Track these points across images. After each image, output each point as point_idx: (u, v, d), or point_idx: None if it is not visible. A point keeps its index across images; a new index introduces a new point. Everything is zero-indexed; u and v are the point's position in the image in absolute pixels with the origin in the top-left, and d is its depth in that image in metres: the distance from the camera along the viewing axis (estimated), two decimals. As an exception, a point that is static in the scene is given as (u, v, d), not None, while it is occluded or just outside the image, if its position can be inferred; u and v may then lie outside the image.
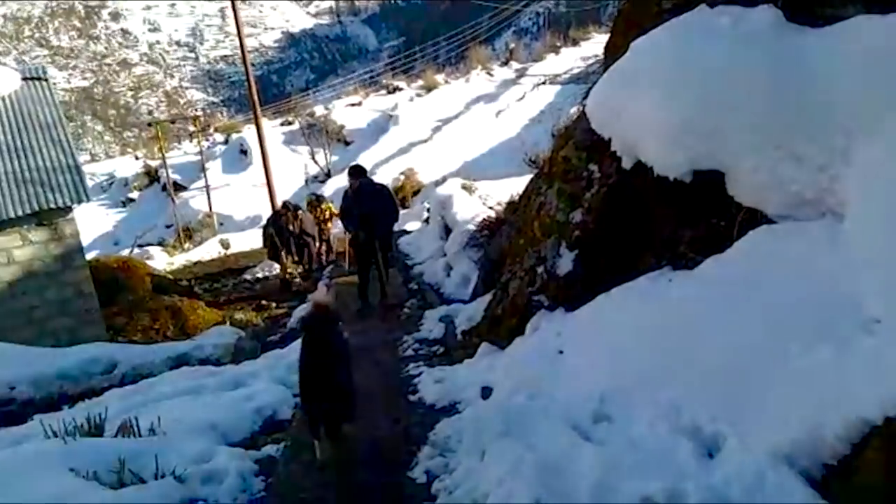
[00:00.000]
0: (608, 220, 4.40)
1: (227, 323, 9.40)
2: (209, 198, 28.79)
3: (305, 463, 3.54)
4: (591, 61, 26.62)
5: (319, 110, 36.09)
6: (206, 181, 29.25)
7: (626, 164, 4.22)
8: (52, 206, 9.15)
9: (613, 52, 4.70)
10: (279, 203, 18.45)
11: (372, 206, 7.79)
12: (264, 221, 13.87)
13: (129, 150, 56.37)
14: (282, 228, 11.86)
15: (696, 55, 3.70)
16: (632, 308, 3.84)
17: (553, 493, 2.64)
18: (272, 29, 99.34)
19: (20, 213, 8.95)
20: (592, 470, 2.77)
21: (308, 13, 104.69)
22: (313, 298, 4.22)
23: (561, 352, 4.09)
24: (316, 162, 30.79)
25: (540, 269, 4.78)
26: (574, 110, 11.23)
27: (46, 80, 10.66)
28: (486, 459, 3.10)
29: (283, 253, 11.95)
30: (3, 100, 10.00)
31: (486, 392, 4.24)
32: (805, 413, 2.38)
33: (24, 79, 10.39)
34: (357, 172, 8.06)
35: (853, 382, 2.29)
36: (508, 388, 3.96)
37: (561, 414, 3.38)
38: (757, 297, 3.16)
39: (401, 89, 36.57)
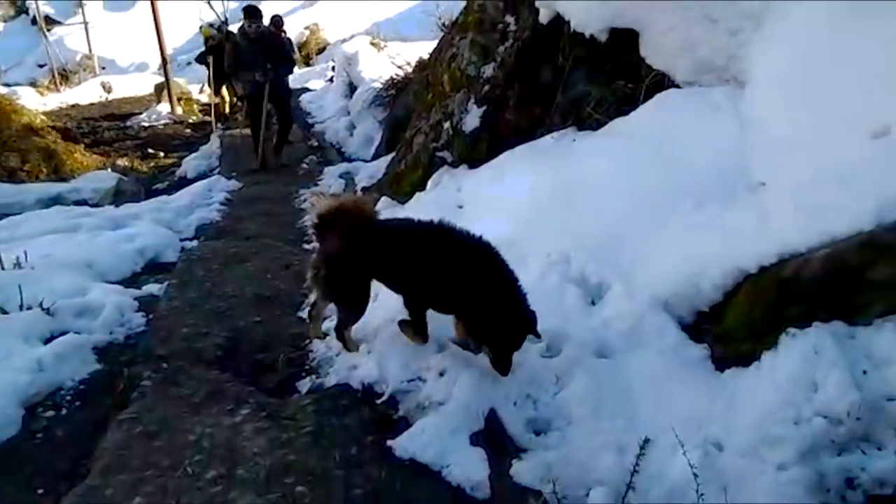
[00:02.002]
0: (519, 76, 4.27)
1: (109, 169, 8.69)
2: (88, 36, 25.77)
3: (190, 300, 3.41)
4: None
5: (217, -52, 32.45)
6: (84, 17, 26.04)
7: (544, 16, 4.06)
8: None
9: None
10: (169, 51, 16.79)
11: (270, 55, 7.15)
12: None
13: (-11, -28, 48.75)
14: None
15: None
16: (534, 165, 3.83)
17: (447, 333, 2.68)
18: None
19: None
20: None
21: None
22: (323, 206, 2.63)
23: (461, 206, 4.07)
24: (212, 7, 28.04)
25: (446, 125, 4.64)
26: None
27: None
28: (378, 301, 3.09)
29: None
30: None
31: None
32: (686, 265, 2.49)
33: None
34: (253, 14, 7.29)
35: (735, 237, 2.39)
36: (406, 240, 3.92)
37: (457, 263, 3.40)
38: (656, 158, 3.21)
39: (310, -65, 33.36)
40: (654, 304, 2.53)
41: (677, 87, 3.55)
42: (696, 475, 1.73)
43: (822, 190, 2.20)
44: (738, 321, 2.26)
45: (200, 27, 13.32)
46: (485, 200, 3.92)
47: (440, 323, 2.53)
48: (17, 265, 3.69)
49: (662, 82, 3.63)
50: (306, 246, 4.52)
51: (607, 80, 3.94)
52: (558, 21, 4.09)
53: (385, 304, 2.87)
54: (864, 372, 1.82)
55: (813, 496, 1.68)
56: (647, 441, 1.90)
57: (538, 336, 2.35)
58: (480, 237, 2.50)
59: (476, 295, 2.31)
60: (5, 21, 32.82)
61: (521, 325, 2.31)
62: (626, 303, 2.62)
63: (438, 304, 2.50)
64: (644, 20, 3.45)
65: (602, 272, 2.84)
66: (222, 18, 27.34)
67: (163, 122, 12.42)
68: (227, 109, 11.76)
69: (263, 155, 7.45)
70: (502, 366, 2.29)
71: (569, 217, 3.22)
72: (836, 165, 2.27)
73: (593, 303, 2.81)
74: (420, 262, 2.46)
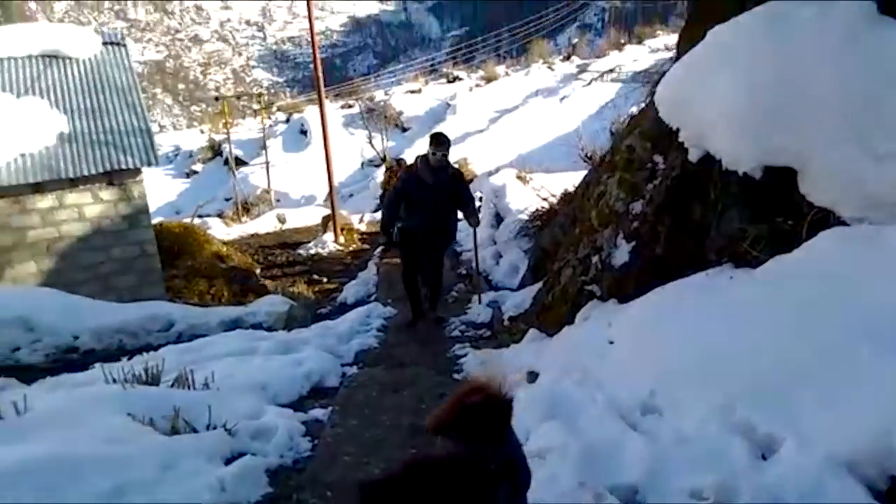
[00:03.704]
0: (669, 212, 4.30)
1: (280, 294, 9.62)
2: (268, 174, 29.46)
3: (351, 427, 3.61)
4: (657, 57, 26.03)
5: (379, 95, 36.50)
6: (266, 158, 29.93)
7: (693, 156, 4.12)
8: (124, 166, 9.51)
9: (689, 40, 4.57)
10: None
11: (446, 193, 5.95)
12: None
13: (196, 123, 58.05)
14: None
15: (778, 46, 3.57)
16: (688, 303, 3.75)
17: (598, 478, 2.62)
18: (339, 13, 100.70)
19: (93, 171, 9.33)
20: (640, 460, 2.73)
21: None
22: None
23: (611, 342, 4.04)
24: (373, 146, 31.14)
25: (595, 259, 4.72)
26: (635, 109, 11.00)
27: (124, 45, 11.07)
28: (530, 440, 3.09)
29: None
30: (84, 63, 10.43)
31: (532, 376, 4.22)
32: (872, 421, 2.29)
33: (105, 44, 10.81)
34: (441, 141, 5.98)
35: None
36: (555, 375, 3.93)
37: (609, 403, 3.34)
38: (825, 299, 3.04)
39: (460, 79, 36.61)
40: (837, 465, 2.31)
41: (843, 223, 3.40)
42: None
43: None
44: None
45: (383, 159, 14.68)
46: (637, 338, 3.86)
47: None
48: (206, 385, 4.15)
49: (827, 219, 3.49)
50: (456, 376, 4.65)
51: (764, 216, 3.86)
52: (708, 159, 4.13)
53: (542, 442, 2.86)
54: None
55: None
56: None
57: None
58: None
59: None
60: (204, 163, 38.48)
61: None
62: (802, 460, 2.41)
63: None
64: (802, 158, 3.40)
65: (771, 423, 2.66)
66: (381, 155, 30.27)
67: (327, 250, 13.60)
68: None
69: (417, 305, 6.44)
70: None
71: (730, 360, 3.09)
72: None
73: (763, 457, 2.62)
74: None
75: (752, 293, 3.47)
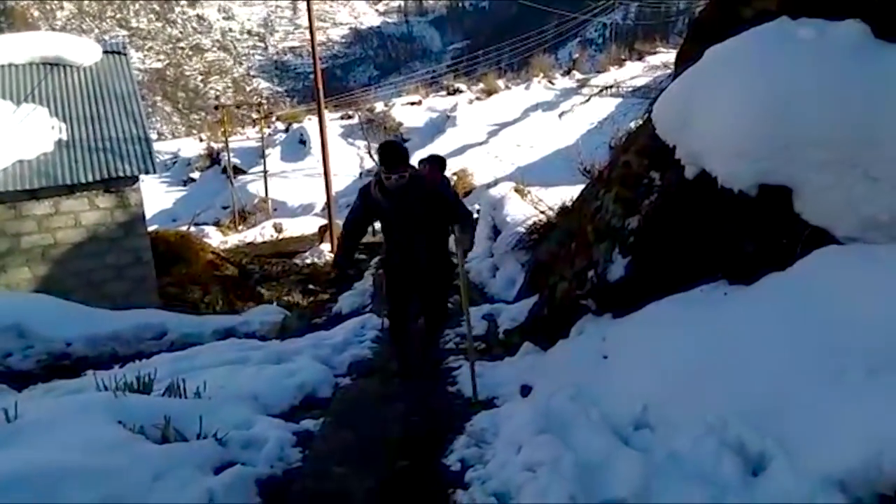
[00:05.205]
0: (666, 228, 4.31)
1: (275, 303, 9.60)
2: (266, 183, 29.52)
3: (343, 439, 3.59)
4: (656, 74, 26.27)
5: (379, 106, 36.70)
6: (265, 167, 29.99)
7: (690, 173, 4.13)
8: (121, 174, 9.52)
9: (686, 59, 4.61)
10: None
11: (422, 216, 4.60)
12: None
13: (195, 132, 58.23)
14: None
15: (774, 67, 3.60)
16: (683, 318, 3.76)
17: (589, 492, 2.61)
18: (341, 24, 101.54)
19: (90, 178, 9.34)
20: (631, 475, 2.73)
21: (377, 11, 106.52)
22: None
23: (605, 357, 4.04)
24: (372, 156, 31.23)
25: (590, 274, 4.72)
26: (633, 124, 11.09)
27: (125, 54, 11.13)
28: (522, 453, 3.08)
29: None
30: (85, 71, 10.47)
31: (526, 390, 4.22)
32: (862, 439, 2.29)
33: (105, 52, 10.86)
34: (394, 156, 4.50)
35: (917, 412, 2.19)
36: (549, 388, 3.92)
37: (601, 417, 3.33)
38: (818, 317, 3.05)
39: (461, 91, 36.85)
40: (828, 484, 2.31)
41: (838, 242, 3.41)
42: None
43: None
44: (933, 513, 2.01)
45: None
46: (631, 353, 3.86)
47: None
48: (197, 395, 4.13)
49: (821, 237, 3.50)
50: (450, 388, 4.64)
51: (759, 233, 3.87)
52: (704, 176, 4.15)
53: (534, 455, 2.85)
54: None
55: None
56: None
57: None
58: None
59: None
60: (202, 171, 38.53)
61: None
62: (792, 479, 2.42)
63: None
64: (797, 178, 3.42)
65: (763, 441, 2.66)
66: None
67: (323, 260, 13.60)
68: None
69: (406, 358, 5.12)
70: None
71: (723, 377, 3.09)
72: None
73: (755, 474, 2.62)
74: None
75: (746, 310, 3.48)
